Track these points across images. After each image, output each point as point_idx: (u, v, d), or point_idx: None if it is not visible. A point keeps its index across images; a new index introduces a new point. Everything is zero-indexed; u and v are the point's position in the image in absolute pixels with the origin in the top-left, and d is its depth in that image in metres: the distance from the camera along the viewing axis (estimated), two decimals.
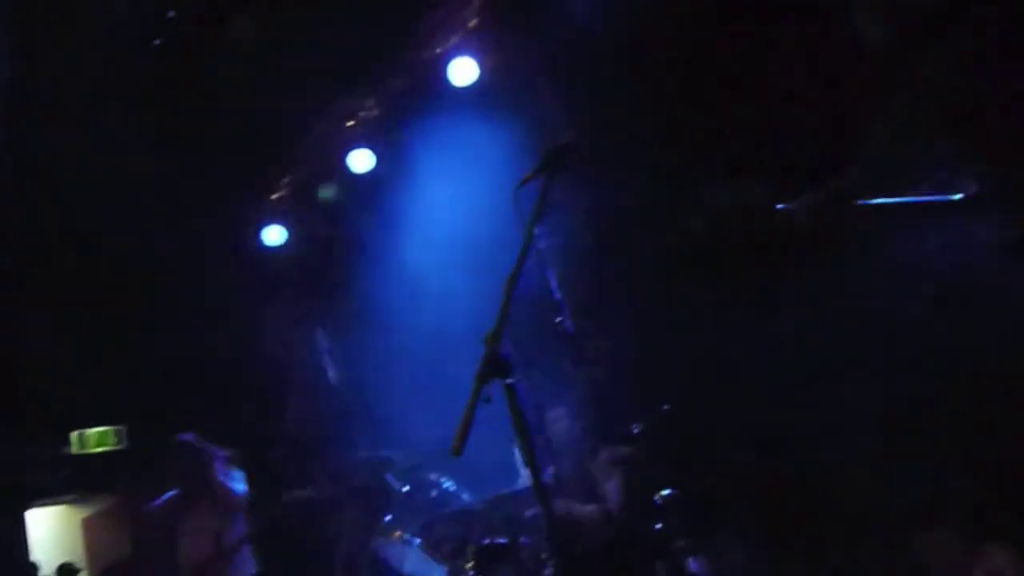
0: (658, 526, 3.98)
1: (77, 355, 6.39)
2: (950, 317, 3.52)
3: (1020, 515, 3.26)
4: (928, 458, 3.70)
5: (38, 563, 6.67)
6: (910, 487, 3.77)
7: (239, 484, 4.62)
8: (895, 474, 3.83)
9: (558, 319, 3.41)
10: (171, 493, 4.59)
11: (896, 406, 3.78)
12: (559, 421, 4.88)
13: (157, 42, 5.57)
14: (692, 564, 3.91)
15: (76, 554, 6.19)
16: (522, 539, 4.20)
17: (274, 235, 7.36)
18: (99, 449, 5.05)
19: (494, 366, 2.36)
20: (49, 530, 7.18)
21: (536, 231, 3.17)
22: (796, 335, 4.14)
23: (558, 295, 3.41)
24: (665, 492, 4.11)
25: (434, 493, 4.35)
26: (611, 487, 4.49)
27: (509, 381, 2.38)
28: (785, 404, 4.10)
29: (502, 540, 4.24)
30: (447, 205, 5.85)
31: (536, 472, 2.34)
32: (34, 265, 6.56)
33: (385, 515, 4.38)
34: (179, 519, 4.58)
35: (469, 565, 4.26)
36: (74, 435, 5.23)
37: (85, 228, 6.71)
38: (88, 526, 6.83)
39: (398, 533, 4.23)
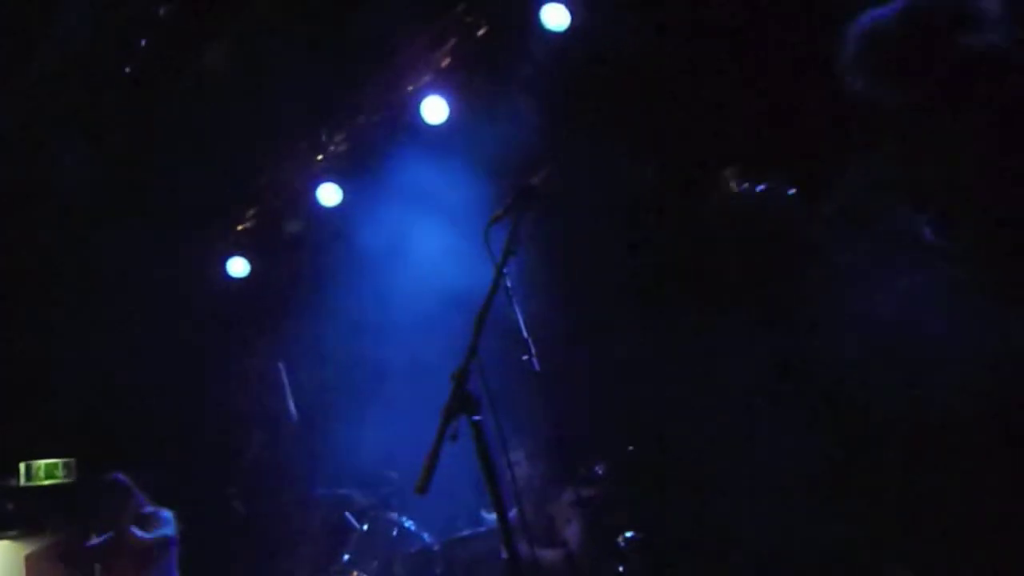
0: (620, 569, 3.96)
1: (27, 384, 6.23)
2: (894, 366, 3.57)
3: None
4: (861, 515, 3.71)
5: None
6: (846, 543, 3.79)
7: (165, 528, 4.51)
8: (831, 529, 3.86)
9: (524, 357, 3.40)
10: (109, 534, 4.45)
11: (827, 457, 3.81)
12: (519, 464, 4.83)
13: (127, 70, 5.53)
14: None
15: None
16: None
17: (238, 267, 7.29)
18: (48, 482, 4.87)
19: (461, 402, 2.34)
20: None
21: (505, 269, 3.19)
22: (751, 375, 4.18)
23: (525, 333, 3.40)
24: (628, 535, 4.09)
25: (394, 532, 4.27)
26: (572, 530, 4.44)
27: (476, 418, 2.36)
28: (732, 448, 4.11)
29: None
30: (415, 241, 5.84)
31: (501, 513, 2.31)
32: None
33: (343, 554, 4.29)
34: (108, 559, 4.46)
35: None
36: (22, 466, 5.05)
37: (41, 255, 6.59)
38: (30, 563, 6.59)
39: (355, 573, 4.14)
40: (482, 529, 4.28)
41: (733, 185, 3.64)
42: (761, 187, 3.58)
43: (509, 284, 3.27)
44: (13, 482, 5.07)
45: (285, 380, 4.57)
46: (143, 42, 5.74)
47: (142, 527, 4.44)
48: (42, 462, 5.01)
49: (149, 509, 4.58)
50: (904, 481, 3.50)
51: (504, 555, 4.60)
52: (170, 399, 6.40)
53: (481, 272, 3.26)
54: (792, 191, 3.57)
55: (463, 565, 4.15)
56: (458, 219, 5.07)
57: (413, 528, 4.29)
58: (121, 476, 4.69)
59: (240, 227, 7.51)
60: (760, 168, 3.66)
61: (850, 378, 3.77)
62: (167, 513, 4.62)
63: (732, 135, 4.32)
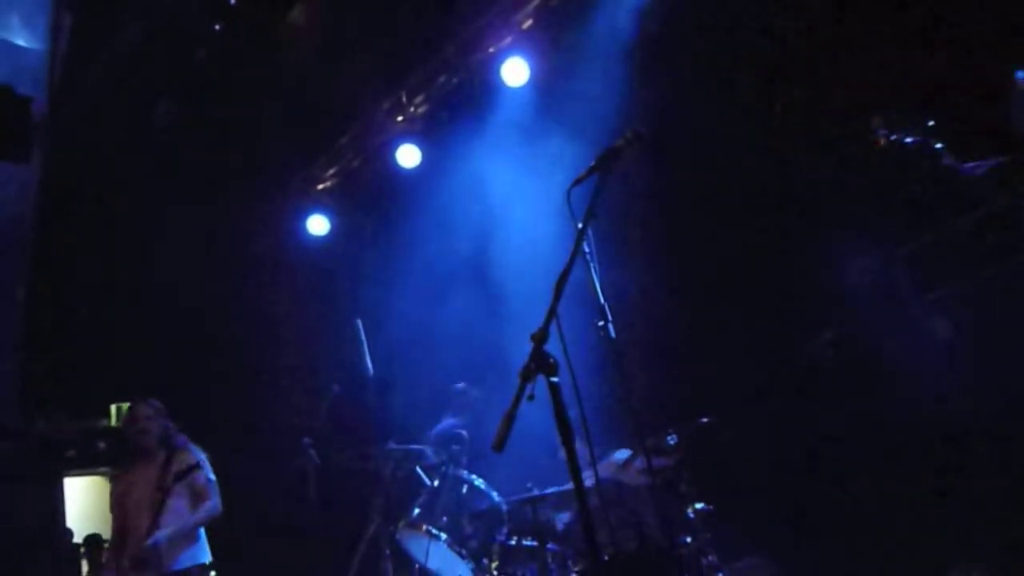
0: (687, 540, 3.90)
1: (121, 332, 6.47)
2: None
3: None
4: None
5: (71, 531, 6.76)
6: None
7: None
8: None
9: (600, 323, 3.34)
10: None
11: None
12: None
13: (217, 27, 5.61)
14: None
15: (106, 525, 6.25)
16: (549, 544, 4.13)
17: (318, 225, 7.40)
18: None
19: (540, 364, 2.31)
20: (83, 500, 7.28)
21: (588, 232, 3.14)
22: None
23: (602, 299, 3.34)
24: (698, 506, 4.03)
25: (464, 490, 4.29)
26: (642, 498, 4.42)
27: (554, 380, 2.33)
28: (824, 424, 4.01)
29: (530, 542, 4.18)
30: (494, 203, 5.82)
31: (576, 473, 2.28)
32: (80, 246, 6.64)
33: (413, 508, 4.34)
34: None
35: (495, 564, 4.21)
36: (113, 408, 5.25)
37: (130, 210, 6.79)
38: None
39: (425, 527, 4.18)
40: (550, 491, 4.26)
41: (881, 136, 3.49)
42: (911, 139, 3.43)
43: (588, 249, 3.22)
44: (104, 423, 5.26)
45: (363, 336, 4.60)
46: (232, 1, 5.82)
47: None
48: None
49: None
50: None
51: (565, 521, 4.63)
52: (251, 352, 6.59)
53: (562, 235, 3.23)
54: (940, 145, 3.42)
55: (530, 525, 4.15)
56: (539, 183, 5.02)
57: (483, 487, 4.29)
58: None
59: (320, 186, 7.62)
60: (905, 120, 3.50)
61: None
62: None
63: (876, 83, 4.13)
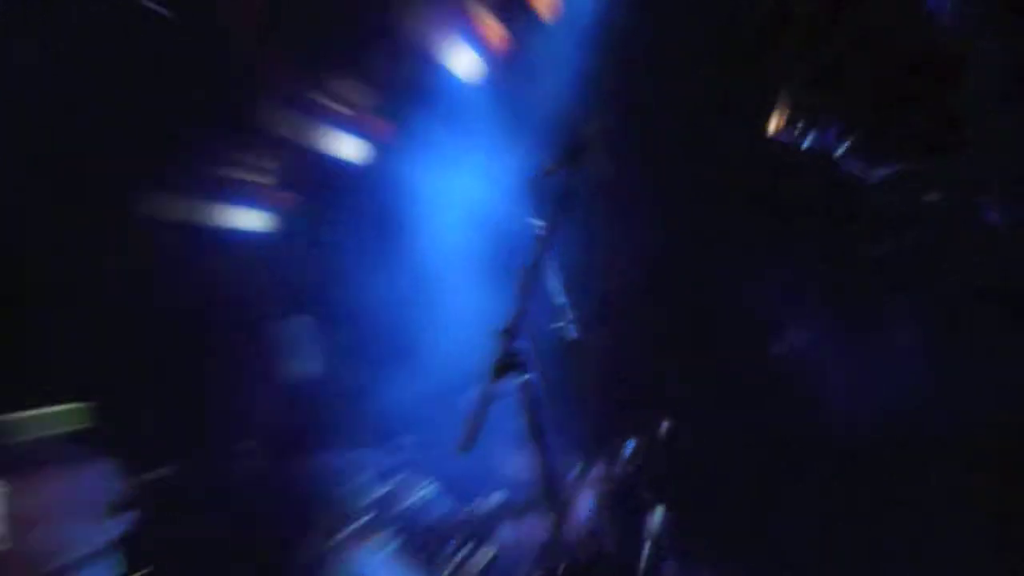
0: (646, 547, 3.79)
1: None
2: None
3: None
4: None
5: None
6: None
7: None
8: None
9: (560, 323, 3.21)
10: None
11: None
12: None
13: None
14: None
15: None
16: (500, 557, 3.99)
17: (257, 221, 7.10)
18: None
19: (509, 361, 2.14)
20: None
21: (548, 229, 3.00)
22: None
23: (563, 298, 3.21)
24: (658, 512, 3.92)
25: (413, 499, 4.10)
26: (589, 506, 4.30)
27: (526, 377, 2.17)
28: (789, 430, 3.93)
29: (482, 553, 4.03)
30: (454, 198, 5.66)
31: (548, 474, 2.13)
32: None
33: (361, 518, 4.14)
34: None
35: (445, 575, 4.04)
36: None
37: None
38: None
39: (373, 536, 3.98)
40: (502, 501, 4.12)
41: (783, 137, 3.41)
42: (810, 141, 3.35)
43: (550, 245, 3.08)
44: None
45: (309, 339, 4.39)
46: None
47: None
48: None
49: None
50: None
51: (516, 531, 4.49)
52: (189, 351, 6.27)
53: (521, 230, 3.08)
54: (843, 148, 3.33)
55: (483, 536, 4.00)
56: (501, 175, 4.86)
57: (433, 496, 4.12)
58: None
59: (260, 179, 7.32)
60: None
61: None
62: None
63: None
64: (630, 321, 4.43)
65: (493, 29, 5.50)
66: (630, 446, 3.93)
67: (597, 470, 4.06)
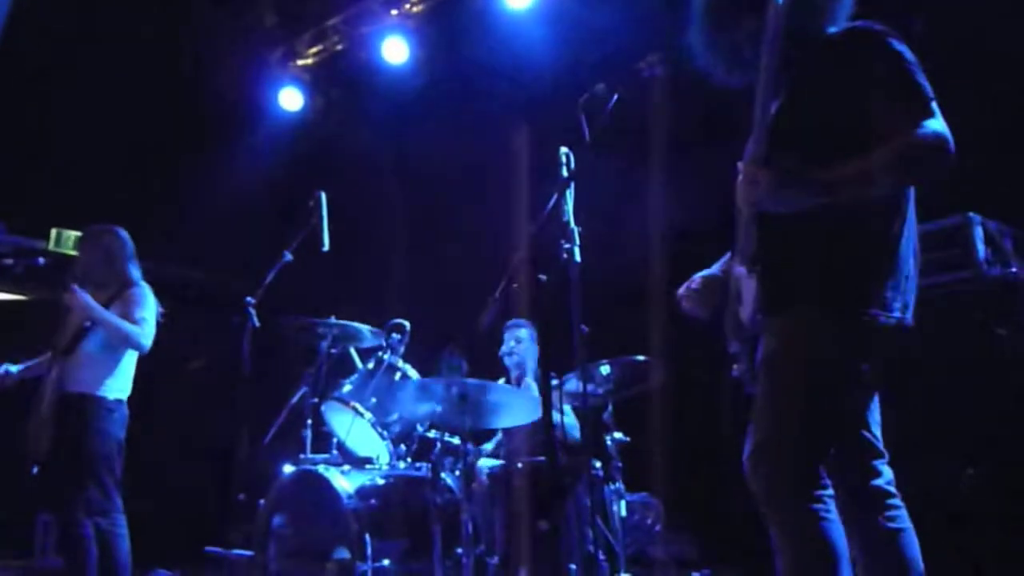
0: (598, 464, 3.96)
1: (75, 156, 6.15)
2: None
3: None
4: None
5: None
6: None
7: None
8: None
9: (567, 245, 3.31)
10: None
11: None
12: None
13: None
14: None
15: None
16: (468, 445, 4.15)
17: (292, 99, 7.11)
18: (74, 253, 4.78)
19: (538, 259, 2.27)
20: None
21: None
22: None
23: (573, 223, 3.29)
24: (616, 436, 4.13)
25: (397, 377, 4.26)
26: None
27: (542, 277, 2.31)
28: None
29: (450, 438, 4.21)
30: (474, 109, 5.72)
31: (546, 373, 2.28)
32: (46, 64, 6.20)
33: (344, 384, 4.31)
34: None
35: (413, 447, 4.24)
36: (53, 232, 4.98)
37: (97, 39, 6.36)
38: None
39: (352, 404, 4.15)
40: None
41: None
42: None
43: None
44: (43, 245, 4.98)
45: (324, 210, 4.47)
46: None
47: None
48: (74, 233, 4.91)
49: None
50: None
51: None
52: (207, 203, 6.37)
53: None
54: None
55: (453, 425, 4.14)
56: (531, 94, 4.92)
57: (416, 379, 4.27)
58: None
59: (301, 62, 7.31)
60: None
61: None
62: None
63: None
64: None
65: None
66: (605, 369, 4.08)
67: (575, 386, 4.20)
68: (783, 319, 2.01)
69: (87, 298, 4.15)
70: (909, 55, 1.98)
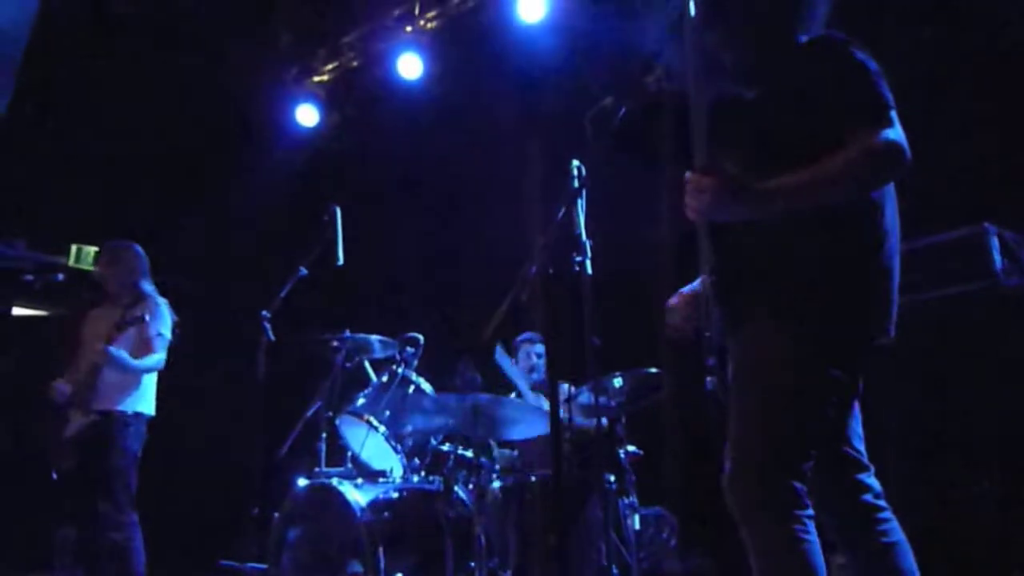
0: (612, 479, 3.92)
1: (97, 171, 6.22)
2: None
3: None
4: None
5: None
6: None
7: None
8: None
9: (577, 258, 3.29)
10: None
11: None
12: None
13: None
14: None
15: None
16: (482, 459, 4.13)
17: (308, 115, 7.15)
18: (93, 269, 4.83)
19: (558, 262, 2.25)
20: None
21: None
22: None
23: (584, 235, 3.27)
24: (630, 449, 4.09)
25: (411, 390, 4.25)
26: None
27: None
28: None
29: (464, 451, 4.19)
30: (490, 123, 5.72)
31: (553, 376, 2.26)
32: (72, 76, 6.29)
33: (358, 398, 4.30)
34: None
35: (427, 461, 4.22)
36: (73, 248, 5.01)
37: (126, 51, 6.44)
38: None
39: (367, 417, 4.14)
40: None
41: None
42: None
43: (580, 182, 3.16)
44: (62, 260, 5.03)
45: (338, 224, 4.48)
46: None
47: None
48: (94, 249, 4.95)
49: None
50: None
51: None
52: (224, 216, 6.42)
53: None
54: None
55: (466, 438, 4.13)
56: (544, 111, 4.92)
57: (430, 391, 4.26)
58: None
59: (317, 79, 7.36)
60: None
61: None
62: None
63: None
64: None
65: None
66: (617, 382, 4.05)
67: (586, 399, 4.18)
68: (742, 333, 1.97)
69: (119, 355, 4.30)
70: (871, 64, 1.93)
